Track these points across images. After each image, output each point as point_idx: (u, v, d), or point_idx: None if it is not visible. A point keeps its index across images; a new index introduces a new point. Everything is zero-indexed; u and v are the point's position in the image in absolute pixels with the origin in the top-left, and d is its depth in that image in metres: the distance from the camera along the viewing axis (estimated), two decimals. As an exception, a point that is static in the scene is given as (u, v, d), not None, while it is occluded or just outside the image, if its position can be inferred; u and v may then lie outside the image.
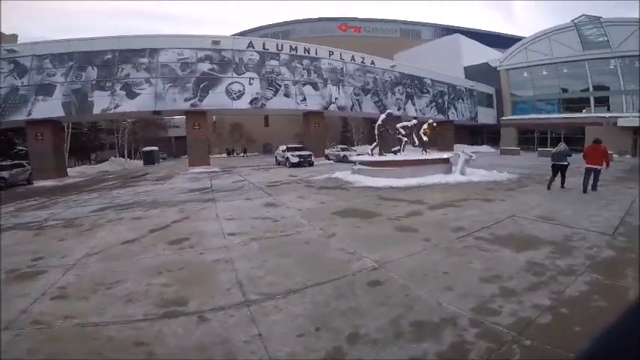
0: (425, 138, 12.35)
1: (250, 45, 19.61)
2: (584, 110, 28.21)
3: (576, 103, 29.12)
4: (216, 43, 18.67)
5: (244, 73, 19.19)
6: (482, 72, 33.40)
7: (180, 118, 55.23)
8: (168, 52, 17.86)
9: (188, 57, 18.10)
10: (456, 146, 31.12)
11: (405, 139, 11.89)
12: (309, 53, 21.01)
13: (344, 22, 50.49)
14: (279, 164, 19.92)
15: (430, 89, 27.17)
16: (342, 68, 22.06)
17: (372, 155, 11.74)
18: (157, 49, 17.71)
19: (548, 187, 8.26)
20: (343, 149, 22.76)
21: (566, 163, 8.31)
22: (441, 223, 5.35)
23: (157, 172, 20.46)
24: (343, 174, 11.79)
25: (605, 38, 26.16)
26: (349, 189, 9.37)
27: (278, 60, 20.12)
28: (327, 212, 6.44)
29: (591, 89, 27.93)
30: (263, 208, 7.05)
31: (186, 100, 18.13)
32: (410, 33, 51.95)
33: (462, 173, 10.76)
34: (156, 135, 43.99)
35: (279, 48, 20.26)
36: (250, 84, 19.24)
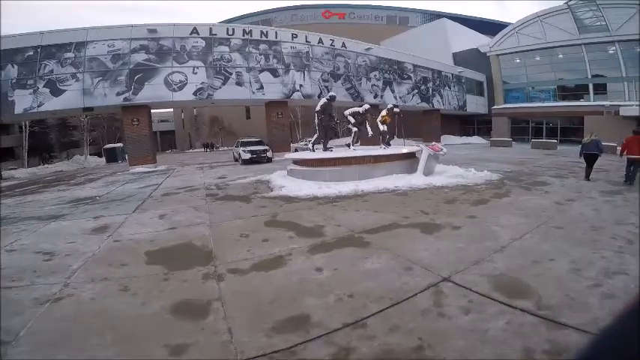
0: (382, 127, 9.68)
1: (194, 31, 16.89)
2: (581, 99, 25.73)
3: (573, 91, 26.60)
4: (152, 31, 16.13)
5: (187, 61, 16.61)
6: (471, 58, 30.75)
7: (167, 112, 54.04)
8: (97, 45, 15.73)
9: (120, 48, 15.90)
10: (444, 137, 28.60)
11: (355, 129, 9.20)
12: (266, 37, 18.18)
13: (327, 9, 47.31)
14: (235, 160, 17.34)
15: (412, 75, 24.38)
16: (307, 52, 19.23)
17: (314, 151, 9.05)
18: (85, 42, 15.64)
19: (587, 178, 7.82)
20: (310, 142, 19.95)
21: (597, 153, 7.96)
22: (274, 304, 2.70)
23: (100, 172, 17.74)
24: (278, 175, 9.12)
25: (603, 22, 23.66)
26: (254, 200, 6.71)
27: (228, 46, 17.37)
28: (139, 252, 3.98)
29: (590, 76, 25.36)
30: (76, 237, 4.52)
31: (118, 94, 15.86)
32: (397, 19, 48.88)
33: (426, 173, 8.10)
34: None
35: (230, 33, 17.47)
36: (194, 73, 16.65)
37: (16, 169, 24.73)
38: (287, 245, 3.90)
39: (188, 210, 6.20)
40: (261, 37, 18.06)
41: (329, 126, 9.10)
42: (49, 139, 35.07)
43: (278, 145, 18.18)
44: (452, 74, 28.00)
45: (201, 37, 16.96)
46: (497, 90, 30.17)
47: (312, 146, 9.10)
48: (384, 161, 8.15)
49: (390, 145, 10.24)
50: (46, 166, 28.31)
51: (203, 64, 16.85)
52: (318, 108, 8.73)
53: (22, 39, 15.50)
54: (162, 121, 57.35)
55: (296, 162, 8.35)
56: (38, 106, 15.52)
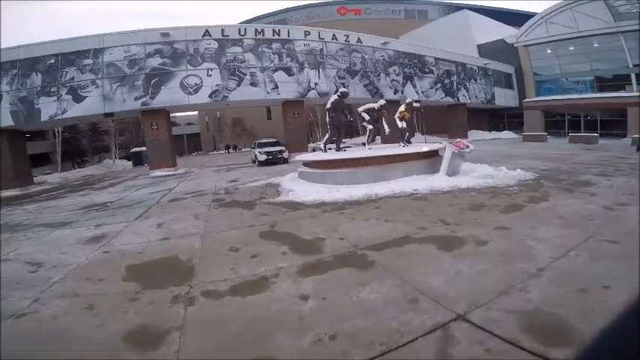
0: (400, 124, 8.95)
1: (207, 33, 16.85)
2: (621, 90, 23.43)
3: (613, 82, 24.32)
4: (165, 35, 16.26)
5: (201, 64, 16.60)
6: (498, 50, 29.02)
7: (193, 115, 55.54)
8: (114, 51, 16.08)
9: (136, 53, 16.15)
10: (471, 132, 27.13)
11: (370, 126, 8.53)
12: (279, 35, 17.83)
13: (342, 5, 46.50)
14: (253, 162, 17.17)
15: (434, 68, 23.19)
16: (321, 49, 18.68)
17: (326, 151, 8.48)
18: (102, 48, 16.03)
19: None
20: (334, 141, 19.34)
21: None
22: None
23: (124, 176, 18.17)
24: (289, 178, 8.66)
25: (638, 8, 21.44)
26: (258, 207, 6.24)
27: (241, 46, 17.19)
28: (122, 265, 3.71)
29: (631, 65, 23.07)
30: (71, 246, 4.50)
31: (136, 98, 16.13)
32: (415, 13, 47.24)
33: (450, 174, 7.31)
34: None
35: (242, 33, 17.30)
36: (209, 75, 16.60)
37: (51, 173, 26.08)
38: (276, 263, 3.37)
39: (188, 218, 5.85)
40: (273, 35, 17.78)
41: (341, 124, 8.50)
42: (81, 144, 36.87)
43: (295, 145, 17.76)
44: (477, 66, 26.48)
45: (214, 39, 16.93)
46: (527, 82, 28.20)
47: (324, 146, 8.54)
48: (402, 161, 7.45)
49: (410, 143, 9.48)
50: (77, 170, 29.71)
51: (217, 66, 16.80)
52: (328, 105, 8.15)
53: (43, 47, 16.09)
54: (188, 124, 59.29)
55: (306, 164, 7.82)
56: (62, 113, 16.13)
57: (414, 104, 9.26)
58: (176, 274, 3.35)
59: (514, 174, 7.42)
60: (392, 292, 2.61)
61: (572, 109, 25.68)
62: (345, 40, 19.47)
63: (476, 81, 26.19)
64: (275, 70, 17.51)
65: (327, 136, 8.56)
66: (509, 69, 28.95)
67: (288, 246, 3.88)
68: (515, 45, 28.06)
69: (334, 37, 19.19)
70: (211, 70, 16.67)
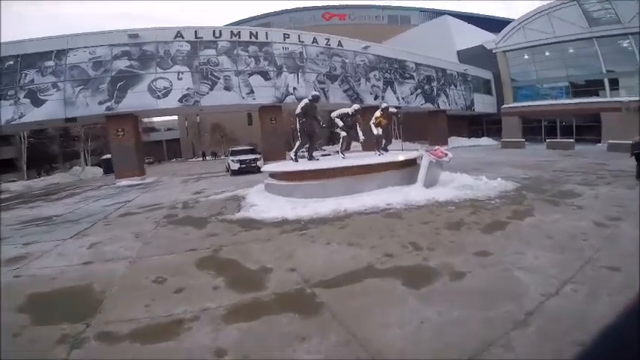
0: (376, 130, 8.40)
1: (179, 35, 16.02)
2: (595, 95, 23.93)
3: (588, 87, 24.85)
4: (134, 36, 15.36)
5: (171, 67, 15.73)
6: (477, 56, 29.20)
7: (172, 120, 53.89)
8: (79, 52, 15.14)
9: (101, 55, 15.23)
10: (452, 139, 27.06)
11: (344, 133, 7.94)
12: (256, 38, 17.15)
13: (327, 11, 46.45)
14: (227, 171, 16.31)
15: (414, 74, 23.03)
16: (301, 52, 18.12)
17: (297, 160, 7.80)
18: (65, 49, 15.05)
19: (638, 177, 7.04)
20: (315, 149, 18.68)
21: None
22: None
23: (89, 185, 16.89)
24: (256, 190, 7.93)
25: (613, 14, 22.03)
26: (210, 224, 5.51)
27: (215, 49, 16.42)
28: (24, 293, 3.06)
29: (604, 71, 23.64)
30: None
31: (100, 103, 15.15)
32: (399, 19, 47.71)
33: (428, 184, 6.76)
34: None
35: (217, 35, 16.52)
36: (179, 79, 15.72)
37: (15, 181, 24.32)
38: (202, 302, 2.71)
39: (128, 238, 5.07)
40: (250, 38, 17.07)
41: (313, 131, 7.86)
42: (50, 150, 34.93)
43: (273, 153, 16.96)
44: (457, 72, 26.57)
45: (186, 41, 16.13)
46: (505, 88, 28.54)
47: (295, 156, 7.86)
48: (376, 171, 6.86)
49: (387, 150, 8.95)
50: (43, 178, 27.87)
51: (188, 69, 15.97)
52: (298, 110, 7.51)
53: (3, 47, 14.88)
54: (168, 129, 57.82)
55: (273, 175, 7.12)
56: (19, 117, 15.01)
57: (390, 109, 8.74)
58: (79, 307, 2.83)
59: (494, 184, 6.97)
60: (332, 354, 1.95)
61: (548, 115, 26.06)
62: (326, 44, 19.00)
63: (456, 87, 26.23)
64: (251, 74, 16.79)
65: (297, 144, 7.90)
66: (487, 75, 29.24)
67: (224, 278, 3.18)
68: (494, 50, 28.39)
69: (315, 40, 18.70)
70: (182, 73, 15.82)
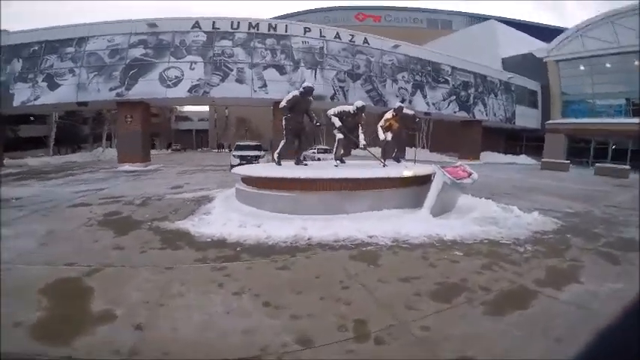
0: (383, 136, 6.90)
1: (196, 25, 15.53)
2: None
3: (652, 105, 21.52)
4: (152, 25, 15.16)
5: (185, 56, 15.26)
6: (524, 65, 26.37)
7: (205, 112, 55.46)
8: (98, 40, 15.34)
9: (119, 43, 15.28)
10: (484, 154, 24.57)
11: (340, 135, 6.49)
12: (275, 30, 16.13)
13: (360, 11, 44.77)
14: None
15: (449, 78, 20.87)
16: (321, 47, 16.81)
17: (279, 163, 6.47)
18: (86, 37, 15.37)
19: None
20: (322, 150, 17.42)
21: None
22: None
23: (96, 166, 16.93)
24: (227, 195, 6.70)
25: None
26: (137, 232, 4.55)
27: (232, 40, 15.67)
28: None
29: (673, 87, 20.26)
30: None
31: (111, 89, 15.09)
32: (439, 23, 45.01)
33: (438, 212, 5.17)
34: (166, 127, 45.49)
35: (235, 27, 15.76)
36: (192, 69, 15.17)
37: (42, 156, 25.38)
38: None
39: (38, 234, 4.39)
40: (269, 30, 16.07)
41: (302, 129, 6.51)
42: (80, 131, 36.48)
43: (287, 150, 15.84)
44: (499, 80, 23.99)
45: (203, 31, 15.56)
46: (554, 101, 25.42)
47: (277, 158, 6.53)
48: (371, 188, 5.35)
49: (399, 161, 7.41)
50: (61, 155, 28.92)
51: (202, 60, 15.35)
52: (283, 103, 6.18)
53: (29, 34, 15.68)
54: (200, 119, 59.71)
55: (244, 179, 5.82)
56: (35, 100, 15.45)
57: (407, 111, 7.17)
58: None
59: (528, 220, 5.22)
60: None
61: (600, 134, 22.86)
62: (350, 40, 17.54)
63: (496, 96, 23.70)
64: (265, 67, 15.76)
65: (281, 143, 6.57)
66: (534, 85, 26.33)
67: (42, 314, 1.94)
68: (544, 59, 25.45)
69: (337, 35, 17.30)
70: (195, 63, 15.24)
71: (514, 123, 25.17)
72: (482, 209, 5.81)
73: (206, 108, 51.84)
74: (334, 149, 6.76)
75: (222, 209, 5.39)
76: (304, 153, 18.65)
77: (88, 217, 5.43)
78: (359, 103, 6.57)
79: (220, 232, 4.36)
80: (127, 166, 15.01)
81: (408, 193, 5.63)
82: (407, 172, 5.68)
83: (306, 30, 16.69)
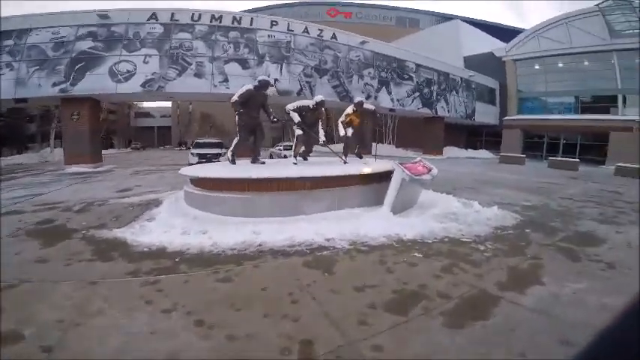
0: (343, 131, 6.62)
1: (153, 17, 14.46)
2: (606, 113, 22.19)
3: (598, 103, 23.11)
4: (104, 17, 13.92)
5: (139, 49, 14.17)
6: (484, 63, 27.49)
7: (168, 107, 52.56)
8: (41, 32, 13.90)
9: (65, 35, 13.89)
10: (447, 149, 25.31)
11: (299, 131, 6.14)
12: (239, 23, 15.41)
13: (333, 7, 44.59)
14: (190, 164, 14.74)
15: (413, 75, 21.19)
16: (288, 42, 16.32)
17: (234, 162, 6.00)
18: (27, 29, 13.86)
19: None
20: (288, 147, 16.95)
21: None
22: None
23: (40, 169, 15.32)
24: (176, 198, 6.12)
25: (638, 28, 20.36)
26: (67, 242, 3.90)
27: (191, 33, 14.77)
28: None
29: (620, 86, 21.90)
30: None
31: (54, 84, 13.71)
32: (407, 21, 45.91)
33: (398, 209, 4.98)
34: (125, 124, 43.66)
35: (195, 18, 14.88)
36: (145, 62, 14.13)
37: None
38: None
39: None
40: (232, 23, 15.30)
41: (257, 125, 6.07)
42: (26, 130, 33.36)
43: (247, 149, 15.17)
44: (461, 78, 24.76)
45: (160, 23, 14.51)
46: (511, 98, 26.78)
47: (232, 156, 6.05)
48: (330, 186, 5.05)
49: (361, 157, 7.18)
50: (10, 157, 26.21)
51: (157, 53, 14.31)
52: (234, 98, 5.72)
53: None
54: (162, 116, 56.78)
55: (192, 181, 5.30)
56: None
57: (367, 106, 6.94)
58: None
59: (488, 214, 5.18)
60: None
61: (552, 130, 24.37)
62: (318, 35, 17.18)
63: (457, 93, 24.44)
64: (227, 61, 15.01)
65: (235, 141, 6.10)
66: (493, 83, 27.52)
67: None
68: (503, 58, 26.69)
69: (306, 30, 16.89)
70: (149, 56, 14.20)
71: (474, 119, 26.15)
72: (443, 205, 5.71)
73: (168, 104, 49.40)
74: (293, 146, 6.39)
75: (167, 214, 4.86)
76: (271, 150, 18.26)
77: (17, 227, 4.77)
78: (318, 98, 6.24)
79: (160, 240, 3.87)
80: (74, 168, 13.72)
81: (369, 190, 5.40)
82: (366, 169, 5.44)
83: (273, 23, 16.11)
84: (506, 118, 26.11)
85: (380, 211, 4.90)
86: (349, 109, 6.81)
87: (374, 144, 10.75)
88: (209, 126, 40.75)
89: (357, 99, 6.87)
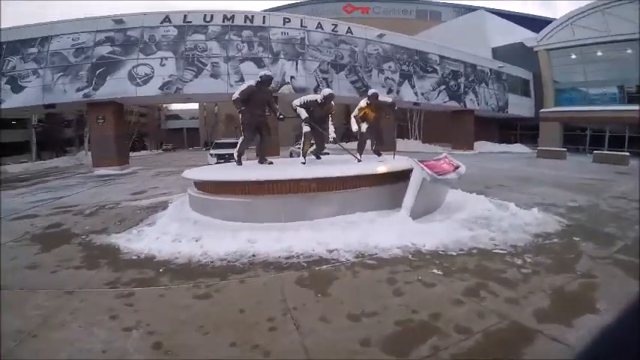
0: (355, 127, 6.08)
1: (166, 19, 14.60)
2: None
3: (647, 93, 20.90)
4: (119, 22, 14.24)
5: (155, 52, 14.33)
6: (515, 54, 25.67)
7: (196, 109, 54.37)
8: (62, 39, 14.41)
9: (85, 41, 14.38)
10: (478, 144, 23.85)
11: (307, 128, 5.64)
12: (251, 22, 15.24)
13: (349, 3, 43.70)
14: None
15: (438, 68, 20.05)
16: (302, 38, 15.92)
17: (240, 163, 5.63)
18: (49, 36, 14.45)
19: None
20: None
21: None
22: None
23: (72, 172, 16.01)
24: (182, 201, 5.87)
25: None
26: (61, 248, 3.83)
27: (205, 34, 14.75)
28: None
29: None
30: None
31: (78, 90, 14.16)
32: (428, 14, 44.11)
33: (418, 213, 4.37)
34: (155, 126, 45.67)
35: (208, 19, 14.85)
36: (162, 65, 14.24)
37: (26, 162, 24.40)
38: None
39: None
40: (245, 22, 15.16)
41: (262, 123, 5.64)
42: (63, 134, 35.51)
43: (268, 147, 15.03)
44: (490, 69, 23.23)
45: (174, 26, 14.62)
46: (546, 90, 24.80)
47: (238, 156, 5.67)
48: (340, 188, 4.52)
49: (380, 154, 6.59)
50: (48, 161, 27.82)
51: (173, 55, 14.40)
52: (235, 96, 5.30)
53: None
54: (191, 117, 58.76)
55: (197, 184, 4.97)
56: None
57: (382, 99, 6.33)
58: None
59: (526, 219, 4.43)
60: None
61: (598, 122, 22.26)
62: (333, 30, 16.66)
63: (487, 85, 22.95)
64: (242, 61, 14.86)
65: (240, 140, 5.72)
66: (526, 74, 25.65)
67: None
68: (535, 49, 24.78)
69: (319, 25, 16.42)
70: (166, 59, 14.30)
71: (507, 111, 24.49)
72: (472, 206, 5.01)
73: (196, 106, 50.81)
74: (301, 144, 5.92)
75: (168, 219, 4.58)
76: (291, 149, 17.96)
77: (26, 231, 4.79)
78: (326, 91, 5.72)
79: (150, 248, 3.57)
80: (102, 170, 14.18)
81: (384, 192, 4.81)
82: (381, 168, 4.85)
83: (286, 20, 15.81)
84: (542, 110, 24.22)
85: (397, 216, 4.31)
86: (362, 103, 6.25)
87: (398, 140, 10.06)
88: (234, 127, 41.37)
89: (371, 91, 6.28)
